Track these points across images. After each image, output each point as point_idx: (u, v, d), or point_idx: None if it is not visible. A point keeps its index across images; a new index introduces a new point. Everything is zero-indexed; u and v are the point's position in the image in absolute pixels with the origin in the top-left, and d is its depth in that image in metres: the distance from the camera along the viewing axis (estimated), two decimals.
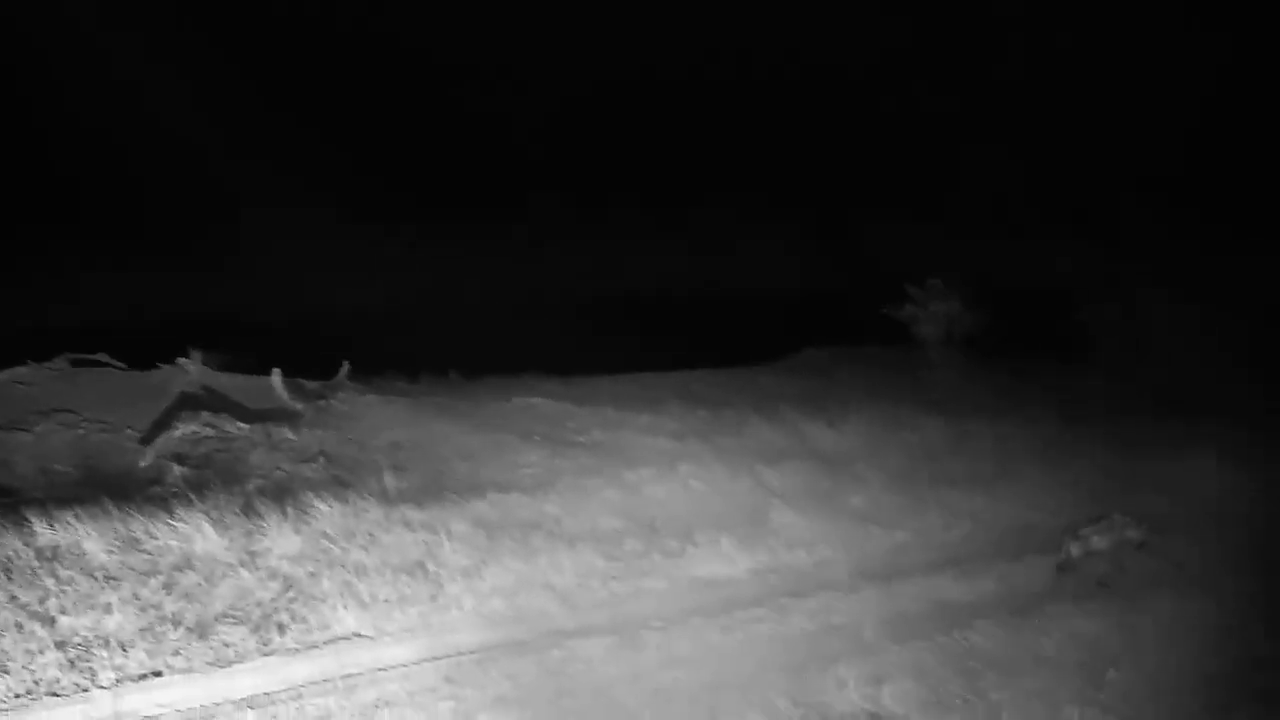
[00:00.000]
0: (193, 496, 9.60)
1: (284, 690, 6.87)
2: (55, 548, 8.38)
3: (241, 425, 12.70)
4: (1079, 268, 26.95)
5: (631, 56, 50.37)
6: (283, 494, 10.19)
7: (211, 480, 10.78)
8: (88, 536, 8.50)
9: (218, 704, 6.62)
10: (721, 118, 55.93)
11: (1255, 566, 9.80)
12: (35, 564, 8.06)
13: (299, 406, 13.96)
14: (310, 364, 15.75)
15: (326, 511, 9.52)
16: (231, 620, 7.54)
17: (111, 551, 8.36)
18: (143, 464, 11.69)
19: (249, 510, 9.44)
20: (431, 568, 8.70)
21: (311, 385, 15.06)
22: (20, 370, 13.89)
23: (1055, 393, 19.79)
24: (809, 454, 13.48)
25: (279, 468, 11.70)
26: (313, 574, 8.36)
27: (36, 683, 6.50)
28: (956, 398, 18.38)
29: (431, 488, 11.05)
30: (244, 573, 8.21)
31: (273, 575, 8.30)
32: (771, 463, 12.65)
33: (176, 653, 7.00)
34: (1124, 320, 22.27)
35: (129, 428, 12.61)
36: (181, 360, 14.46)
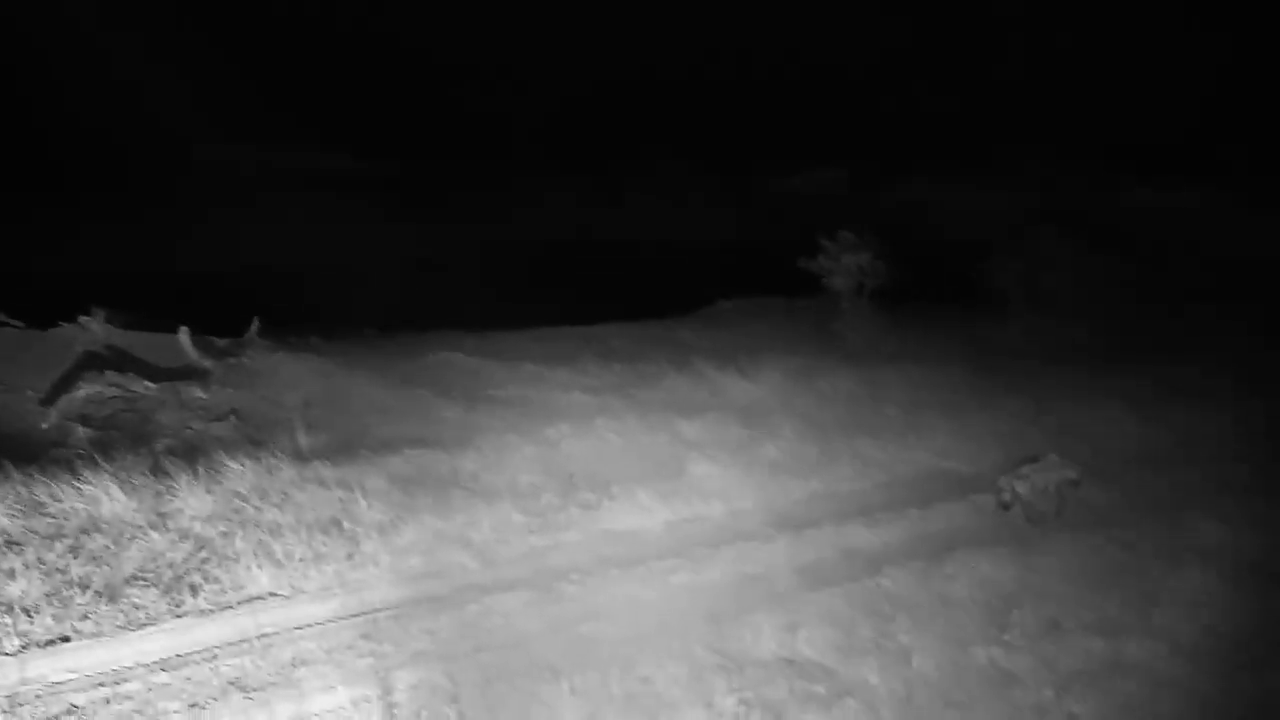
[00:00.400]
0: (99, 458, 9.31)
1: (198, 652, 6.84)
2: None
3: (149, 384, 12.32)
4: (990, 220, 27.59)
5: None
6: (193, 453, 9.96)
7: (118, 441, 10.48)
8: None
9: (129, 668, 6.56)
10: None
11: (1154, 509, 10.36)
12: None
13: (208, 364, 13.56)
14: (221, 321, 15.29)
15: (239, 470, 9.37)
16: (142, 583, 7.43)
17: (14, 516, 8.12)
18: (44, 425, 11.28)
19: (158, 471, 9.23)
20: (347, 525, 8.67)
21: (221, 342, 14.61)
22: None
23: (967, 343, 20.47)
24: (724, 406, 13.71)
25: (188, 427, 11.43)
26: (225, 534, 8.26)
27: None
28: (869, 349, 18.81)
29: (346, 445, 10.93)
30: (154, 534, 8.07)
31: (184, 536, 8.17)
32: (688, 415, 12.84)
33: (85, 617, 6.90)
34: (1033, 272, 22.77)
35: (29, 389, 12.14)
36: (83, 318, 13.89)
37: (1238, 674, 7.02)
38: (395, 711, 6.43)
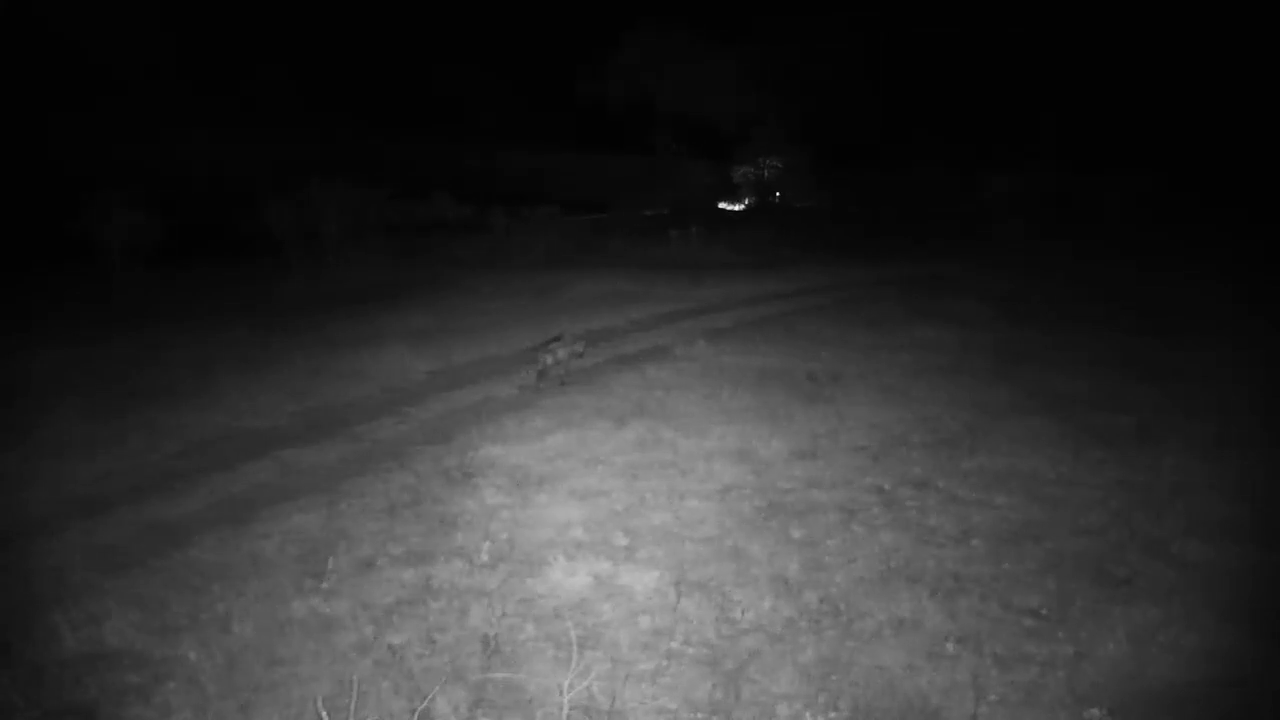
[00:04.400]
0: None
1: None
2: None
3: None
4: (252, 165, 28.28)
5: None
6: None
7: None
8: None
9: None
10: None
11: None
12: None
13: None
14: None
15: None
16: None
17: None
18: None
19: None
20: None
21: None
22: None
23: (252, 298, 20.66)
24: None
25: None
26: None
27: None
28: (146, 310, 18.08)
29: None
30: None
31: None
32: None
33: None
34: (302, 217, 23.85)
35: None
36: None
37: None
38: None
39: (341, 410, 11.90)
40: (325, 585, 6.78)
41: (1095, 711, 5.15)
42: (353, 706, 4.94)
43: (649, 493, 8.58)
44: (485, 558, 7.18)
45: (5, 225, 23.48)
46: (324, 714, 4.39)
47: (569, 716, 4.85)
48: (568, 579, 6.77)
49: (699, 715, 5.21)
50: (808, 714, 5.20)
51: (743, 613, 6.23)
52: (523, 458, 9.68)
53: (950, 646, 5.80)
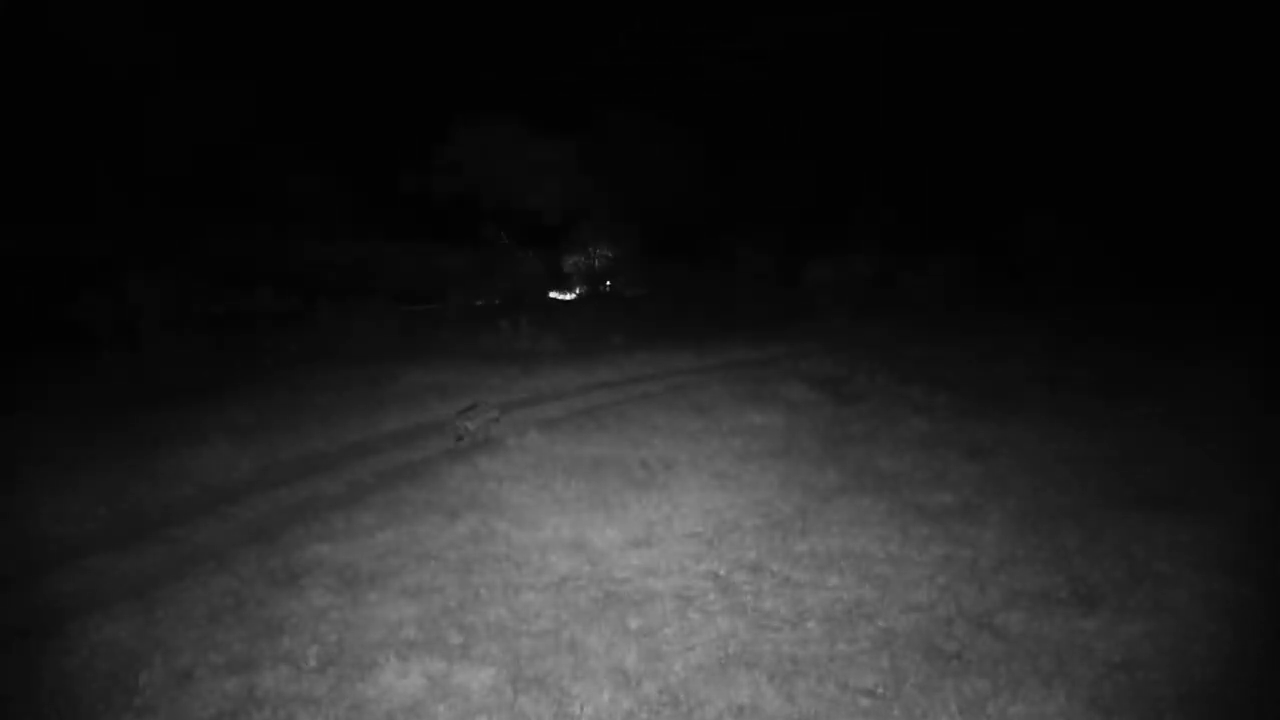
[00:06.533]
0: None
1: None
2: None
3: None
4: (69, 251, 27.55)
5: None
6: None
7: None
8: None
9: None
10: None
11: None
12: None
13: None
14: None
15: None
16: None
17: None
18: None
19: None
20: None
21: None
22: None
23: (58, 392, 19.97)
24: None
25: None
26: None
27: None
28: None
29: None
30: None
31: None
32: None
33: None
34: (118, 307, 23.37)
35: None
36: None
37: None
38: None
39: (159, 512, 11.34)
40: (138, 701, 6.42)
41: None
42: None
43: (483, 587, 8.62)
44: (313, 662, 6.99)
45: None
46: None
47: None
48: (400, 681, 6.69)
49: None
50: None
51: (581, 707, 6.31)
52: (352, 555, 9.51)
53: None
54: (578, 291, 45.70)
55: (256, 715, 6.23)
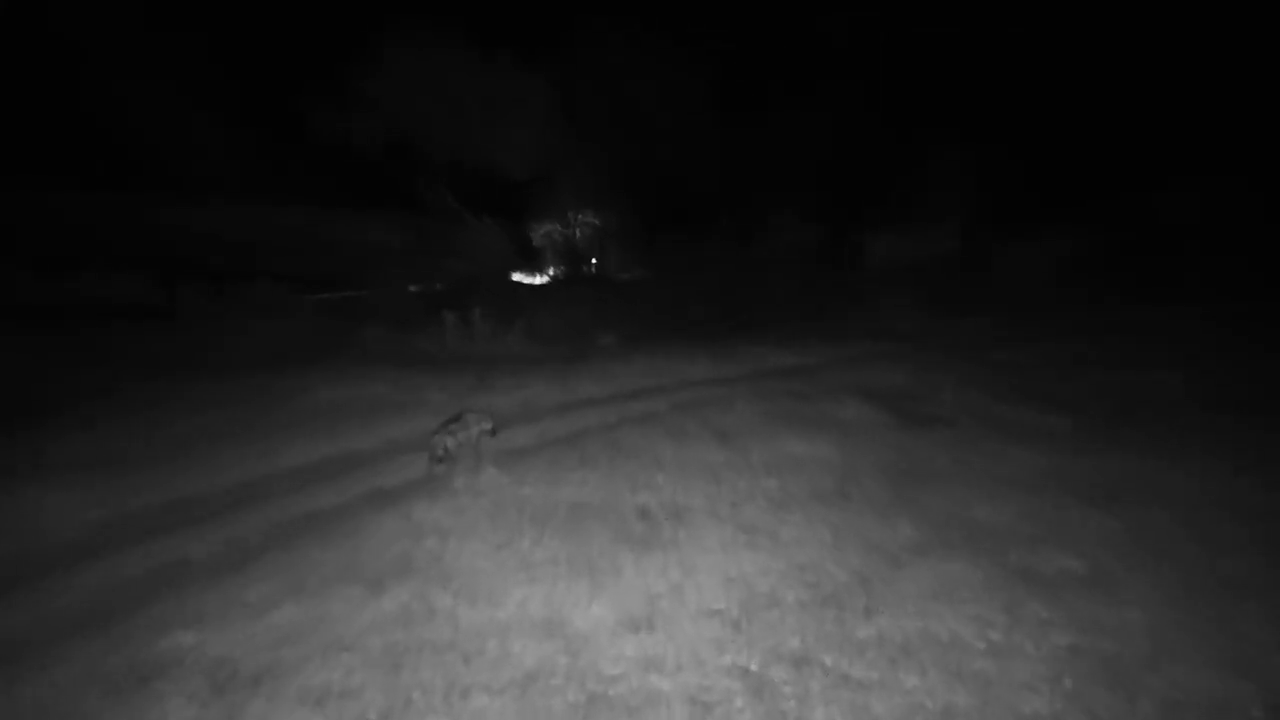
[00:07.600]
0: None
1: None
2: None
3: None
4: None
5: None
6: None
7: None
8: None
9: None
10: None
11: None
12: None
13: None
14: None
15: None
16: None
17: None
18: None
19: None
20: None
21: None
22: None
23: None
24: None
25: None
26: None
27: None
28: None
29: None
30: None
31: None
32: None
33: None
34: None
35: None
36: None
37: None
38: None
39: None
40: None
41: None
42: None
43: (417, 690, 8.26)
44: None
45: None
46: None
47: None
48: None
49: None
50: None
51: None
52: (230, 646, 9.10)
53: None
54: (552, 273, 45.50)
55: None
